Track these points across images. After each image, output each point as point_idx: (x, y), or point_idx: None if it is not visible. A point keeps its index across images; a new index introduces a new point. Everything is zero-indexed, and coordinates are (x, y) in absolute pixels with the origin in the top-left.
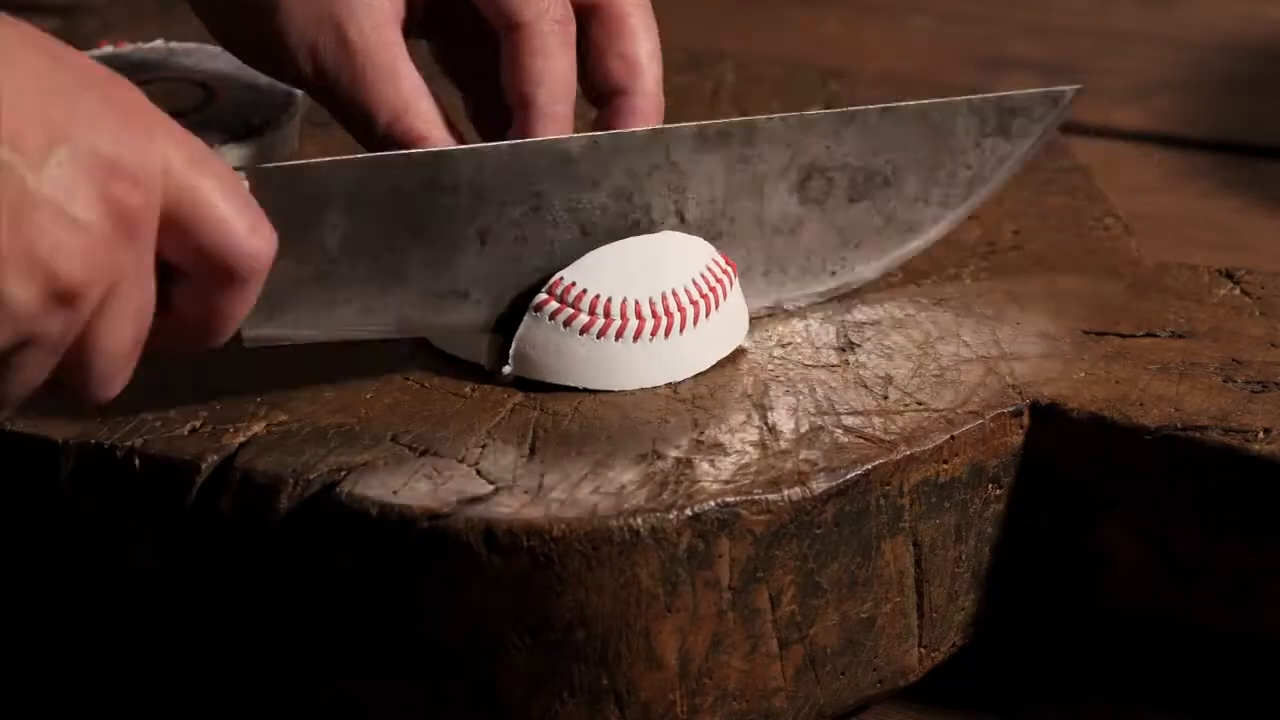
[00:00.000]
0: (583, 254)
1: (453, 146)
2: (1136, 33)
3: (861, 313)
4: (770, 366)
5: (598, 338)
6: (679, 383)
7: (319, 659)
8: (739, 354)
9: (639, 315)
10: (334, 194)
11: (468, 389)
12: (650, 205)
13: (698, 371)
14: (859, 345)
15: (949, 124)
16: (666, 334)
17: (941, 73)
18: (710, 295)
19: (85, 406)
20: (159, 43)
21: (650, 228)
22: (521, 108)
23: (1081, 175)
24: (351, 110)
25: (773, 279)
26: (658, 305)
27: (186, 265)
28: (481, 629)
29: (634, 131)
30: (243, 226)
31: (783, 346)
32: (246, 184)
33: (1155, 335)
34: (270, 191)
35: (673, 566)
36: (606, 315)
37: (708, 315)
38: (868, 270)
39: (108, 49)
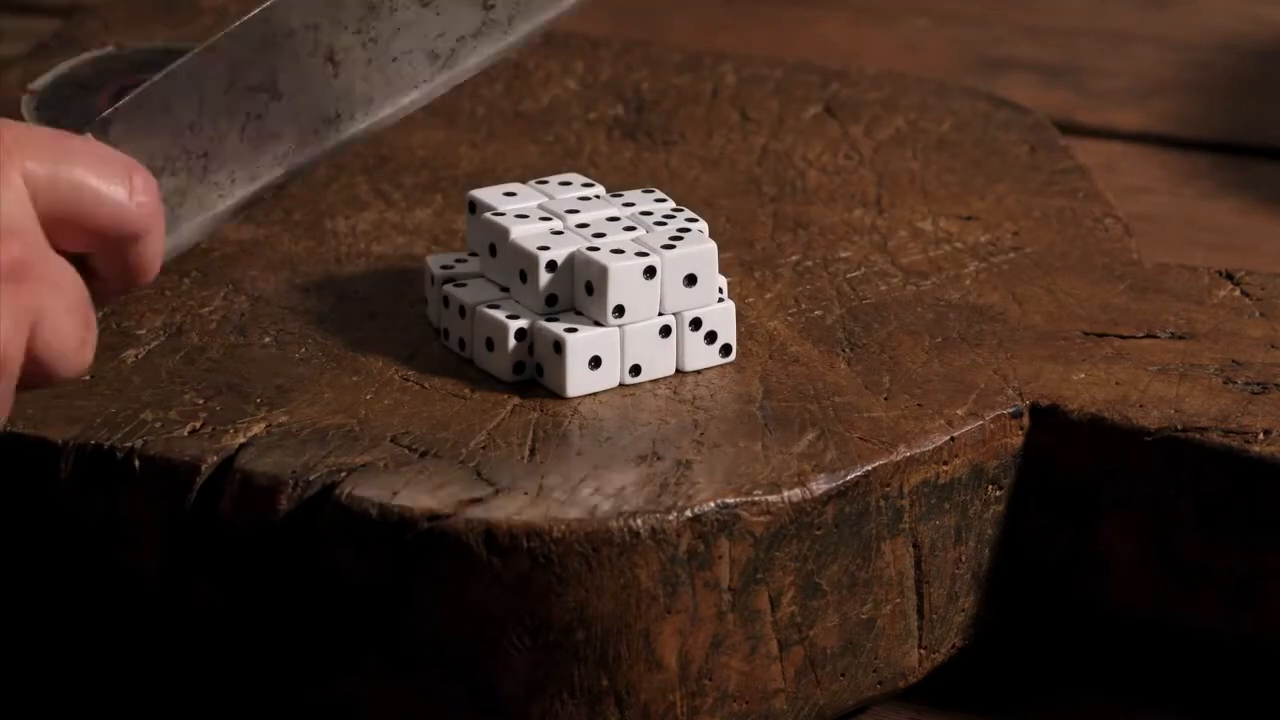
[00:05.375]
0: (429, 26)
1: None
2: (1136, 33)
3: (862, 313)
4: (770, 367)
5: None
6: (679, 383)
7: (319, 659)
8: (739, 354)
9: None
10: (180, 100)
11: (467, 390)
12: None
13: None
14: (859, 346)
15: None
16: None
17: (941, 73)
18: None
19: (84, 410)
20: (159, 43)
21: None
22: None
23: (1081, 176)
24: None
25: None
26: None
27: (89, 245)
28: (481, 629)
29: None
30: (123, 194)
31: (783, 347)
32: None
33: (1155, 336)
34: (120, 135)
35: (672, 568)
36: None
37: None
38: None
39: (108, 49)
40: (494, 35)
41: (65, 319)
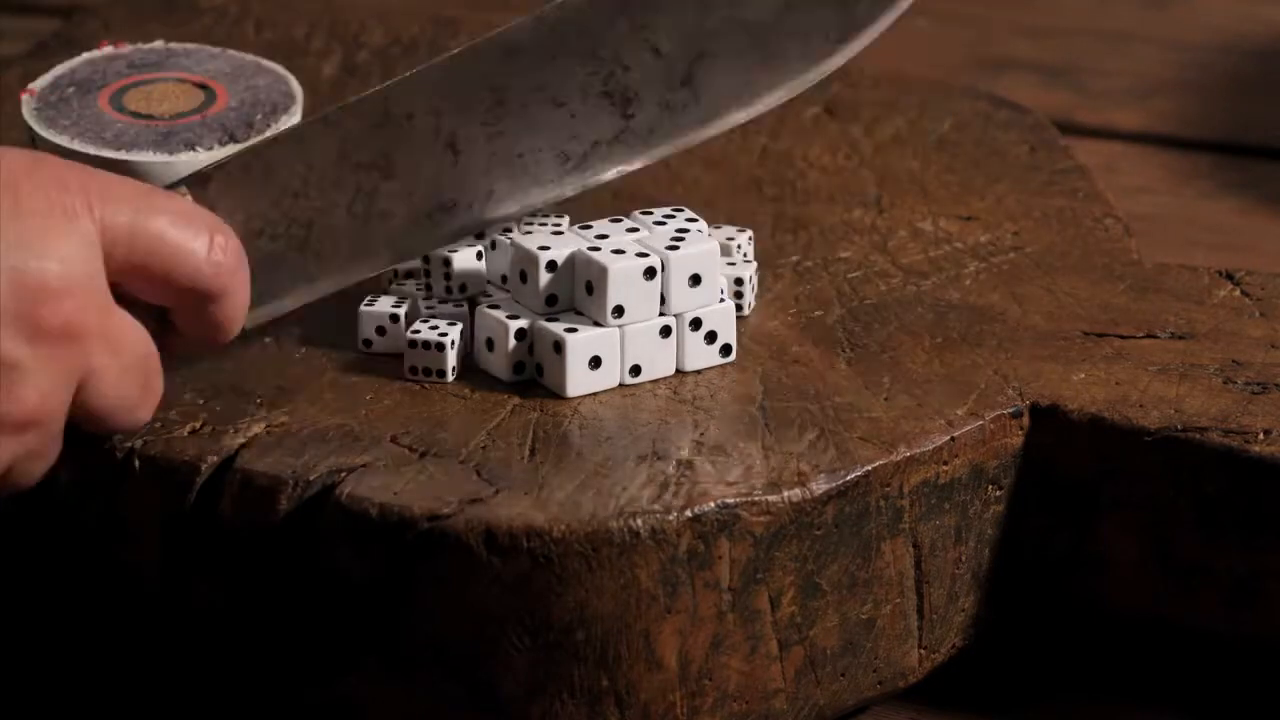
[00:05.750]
0: (561, 122)
1: (389, 81)
2: (1136, 33)
3: (862, 313)
4: (770, 367)
5: None
6: (679, 383)
7: (319, 659)
8: (739, 354)
9: None
10: (285, 166)
11: (468, 390)
12: (619, 53)
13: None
14: (859, 346)
15: None
16: None
17: (941, 73)
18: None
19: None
20: (159, 43)
21: (625, 76)
22: None
23: (1081, 176)
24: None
25: (774, 70)
26: None
27: (166, 301)
28: (481, 630)
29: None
30: (201, 249)
31: (783, 347)
32: (188, 196)
33: (1155, 336)
34: (218, 193)
35: (673, 568)
36: None
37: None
38: (878, 23)
39: (108, 49)
40: (631, 145)
41: (119, 379)
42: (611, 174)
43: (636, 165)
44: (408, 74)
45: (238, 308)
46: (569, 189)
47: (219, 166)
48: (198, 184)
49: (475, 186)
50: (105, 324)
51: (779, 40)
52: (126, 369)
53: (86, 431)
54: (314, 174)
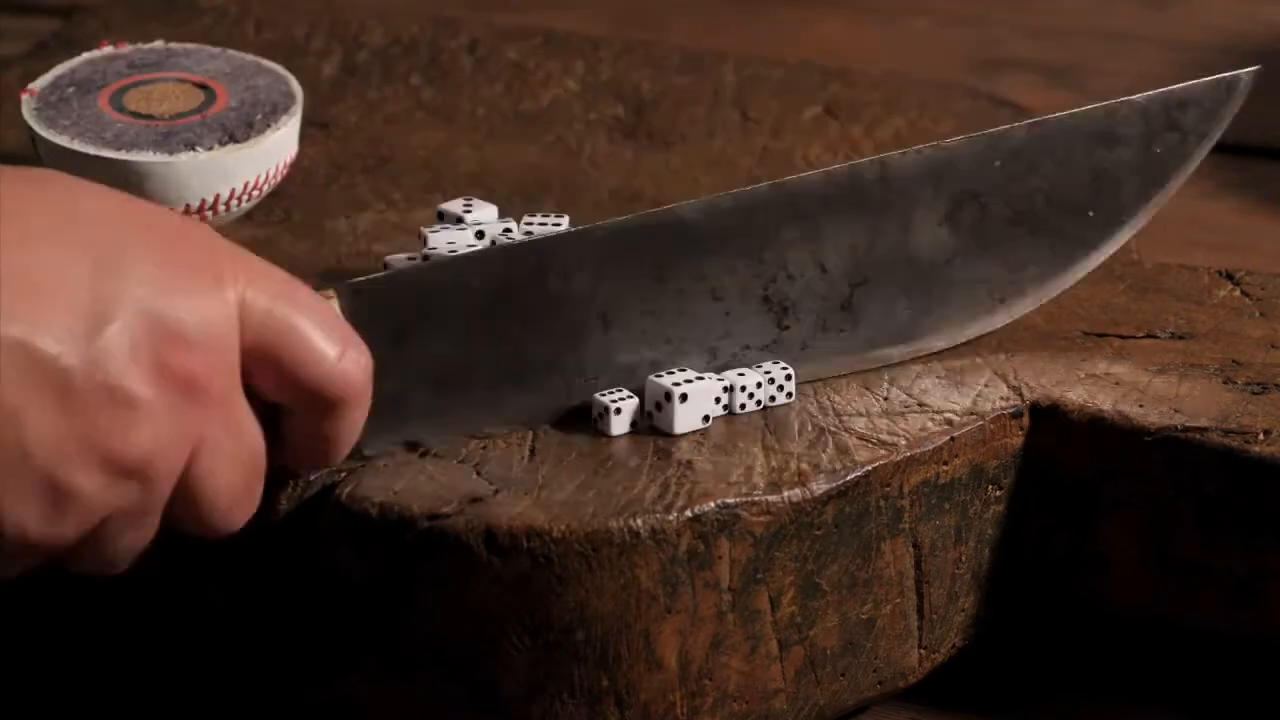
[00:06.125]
0: (716, 317)
1: (553, 232)
2: (1136, 33)
3: None
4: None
5: None
6: None
7: (319, 659)
8: None
9: None
10: (433, 299)
11: None
12: (785, 259)
13: None
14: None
15: (1109, 130)
16: None
17: (941, 73)
18: None
19: None
20: (159, 43)
21: (787, 285)
22: None
23: None
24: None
25: (935, 316)
26: None
27: (284, 398)
28: (481, 629)
29: (754, 188)
30: (332, 354)
31: None
32: (336, 304)
33: (1155, 336)
34: (363, 306)
35: (672, 568)
36: None
37: None
38: (1040, 294)
39: (108, 49)
40: (780, 356)
41: (231, 463)
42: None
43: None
44: (574, 230)
45: (353, 426)
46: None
47: (371, 281)
48: (350, 295)
49: (618, 362)
50: (228, 397)
51: (943, 286)
52: (239, 456)
53: (181, 530)
54: (460, 312)
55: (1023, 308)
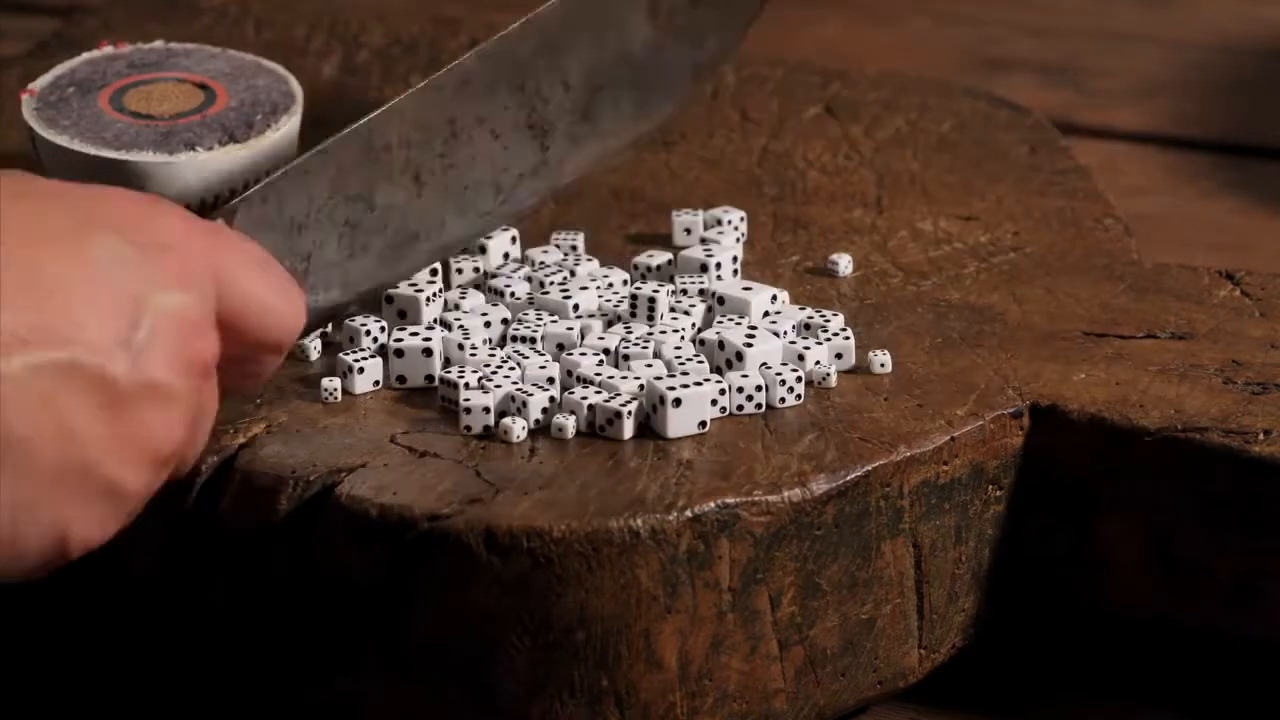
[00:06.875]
0: (497, 154)
1: (375, 112)
2: (1136, 33)
3: (862, 313)
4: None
5: None
6: None
7: (319, 659)
8: None
9: None
10: (292, 199)
11: None
12: (539, 87)
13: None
14: (859, 346)
15: None
16: None
17: (941, 73)
18: None
19: None
20: (159, 43)
21: (544, 109)
22: None
23: (1081, 176)
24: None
25: (651, 104)
26: None
27: (236, 353)
28: (481, 630)
29: (506, 31)
30: (290, 310)
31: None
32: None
33: (1155, 336)
34: (243, 226)
35: (672, 568)
36: None
37: None
38: (723, 58)
39: (108, 49)
40: (545, 177)
41: (208, 425)
42: (529, 206)
43: (545, 198)
44: (388, 105)
45: (282, 356)
46: (497, 220)
47: (243, 200)
48: (226, 216)
49: (432, 218)
50: (214, 365)
51: (651, 73)
52: (214, 416)
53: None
54: (313, 207)
55: (713, 76)
